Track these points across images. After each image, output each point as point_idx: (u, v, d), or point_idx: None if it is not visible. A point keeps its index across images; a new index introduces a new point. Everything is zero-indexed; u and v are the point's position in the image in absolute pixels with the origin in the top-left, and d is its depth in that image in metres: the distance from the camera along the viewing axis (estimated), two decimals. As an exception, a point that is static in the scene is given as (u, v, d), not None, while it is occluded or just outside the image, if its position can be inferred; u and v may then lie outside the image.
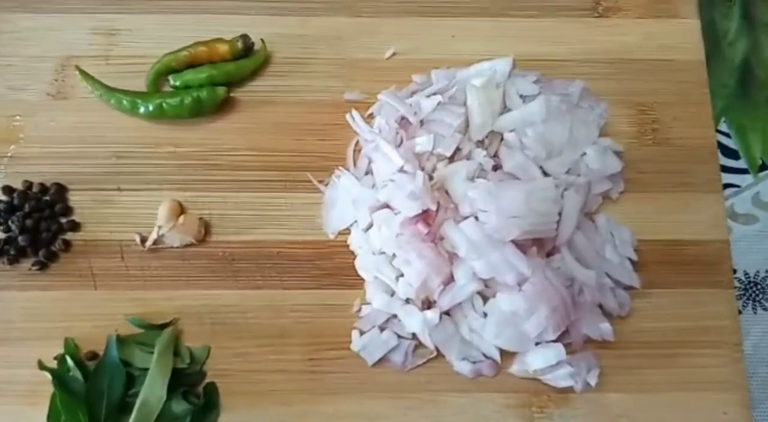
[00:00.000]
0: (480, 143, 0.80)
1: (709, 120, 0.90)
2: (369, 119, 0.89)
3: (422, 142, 0.78)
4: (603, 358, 0.80)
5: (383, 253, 0.79)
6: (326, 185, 0.86)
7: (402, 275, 0.77)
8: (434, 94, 0.84)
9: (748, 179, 0.91)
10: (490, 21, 0.93)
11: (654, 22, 0.94)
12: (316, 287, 0.83)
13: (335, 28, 0.93)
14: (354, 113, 0.88)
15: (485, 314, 0.75)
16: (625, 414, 0.80)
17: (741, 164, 0.92)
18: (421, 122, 0.82)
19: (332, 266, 0.84)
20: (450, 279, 0.74)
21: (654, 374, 0.81)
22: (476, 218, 0.74)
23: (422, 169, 0.78)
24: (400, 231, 0.74)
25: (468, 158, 0.79)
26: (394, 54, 0.91)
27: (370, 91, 0.90)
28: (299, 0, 0.94)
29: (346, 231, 0.84)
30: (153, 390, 0.75)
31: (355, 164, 0.86)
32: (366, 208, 0.79)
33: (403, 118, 0.82)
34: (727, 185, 0.89)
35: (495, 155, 0.80)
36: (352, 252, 0.83)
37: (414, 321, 0.75)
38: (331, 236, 0.84)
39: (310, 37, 0.92)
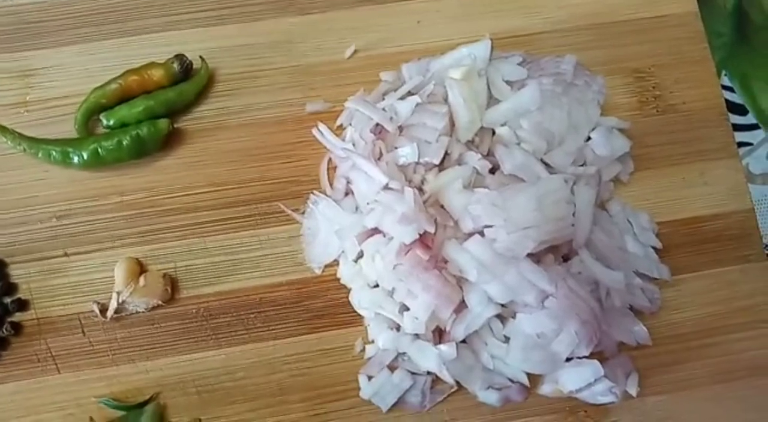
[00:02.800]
0: (470, 144, 0.70)
1: (713, 77, 0.81)
2: (339, 130, 0.78)
3: (406, 153, 0.68)
4: (635, 360, 0.72)
5: (380, 284, 0.69)
6: (303, 213, 0.76)
7: (407, 308, 0.67)
8: (409, 94, 0.73)
9: (759, 134, 0.83)
10: (457, -2, 0.82)
11: (638, -25, 0.84)
12: (309, 332, 0.73)
13: (283, 31, 0.81)
14: (321, 126, 0.77)
15: (506, 337, 0.66)
16: (669, 417, 0.73)
17: (750, 119, 0.83)
18: (400, 128, 0.71)
19: (324, 304, 0.74)
20: (462, 306, 0.65)
21: (692, 368, 0.75)
22: (482, 233, 0.64)
23: (409, 183, 0.69)
24: (398, 261, 0.64)
25: (460, 163, 0.69)
26: (355, 52, 0.80)
27: (335, 98, 0.79)
28: (236, 3, 0.82)
29: (334, 263, 0.74)
30: (143, 485, 0.65)
31: (331, 186, 0.76)
32: (353, 237, 0.69)
33: (378, 126, 0.71)
34: (738, 145, 0.81)
35: (489, 155, 0.70)
36: (344, 286, 0.74)
37: (428, 358, 0.66)
38: (318, 272, 0.74)
39: (255, 45, 0.80)
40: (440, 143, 0.68)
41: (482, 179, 0.68)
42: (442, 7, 0.82)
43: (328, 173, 0.77)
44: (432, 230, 0.63)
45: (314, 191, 0.76)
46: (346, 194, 0.74)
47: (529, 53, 0.78)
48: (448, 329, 0.66)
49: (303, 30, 0.81)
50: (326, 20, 0.81)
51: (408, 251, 0.64)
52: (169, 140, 0.77)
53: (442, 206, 0.67)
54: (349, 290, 0.73)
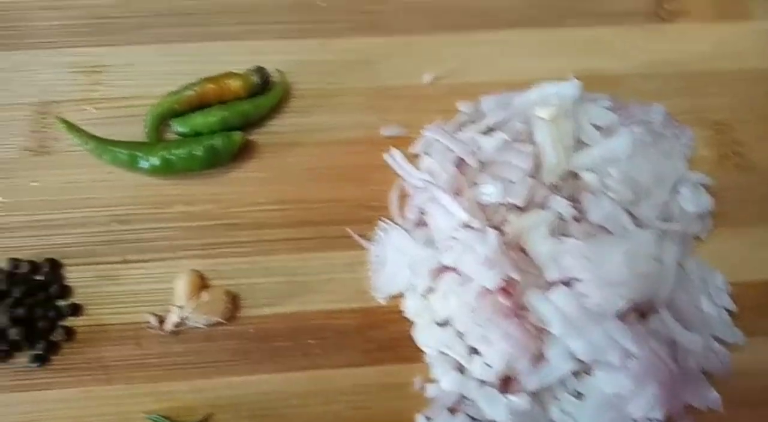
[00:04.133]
0: (552, 187, 0.68)
1: (798, 138, 0.79)
2: (412, 158, 0.76)
3: (490, 192, 0.66)
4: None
5: (449, 323, 0.67)
6: (371, 240, 0.74)
7: (475, 351, 0.65)
8: (491, 128, 0.72)
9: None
10: (539, 32, 0.81)
11: (724, 26, 0.83)
12: (368, 363, 0.71)
13: (362, 51, 0.79)
14: (394, 152, 0.75)
15: (578, 393, 0.65)
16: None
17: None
18: (481, 164, 0.70)
19: (386, 336, 0.72)
20: (538, 357, 0.63)
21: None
22: (566, 283, 0.62)
23: (489, 222, 0.67)
24: (476, 304, 0.62)
25: (542, 206, 0.67)
26: (434, 79, 0.78)
27: (410, 124, 0.77)
28: (317, 18, 0.80)
29: (399, 294, 0.72)
30: None
31: (402, 214, 0.74)
32: (426, 271, 0.68)
33: (459, 159, 0.69)
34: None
35: (572, 200, 0.68)
36: (408, 319, 0.72)
37: (496, 407, 0.64)
38: (382, 302, 0.72)
39: (333, 62, 0.79)
40: (525, 183, 0.66)
41: (565, 225, 0.66)
42: (523, 41, 0.81)
43: (399, 201, 0.75)
44: (518, 277, 0.61)
45: (384, 219, 0.74)
46: (418, 224, 0.73)
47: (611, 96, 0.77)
48: (519, 379, 0.64)
49: (383, 51, 0.79)
50: (407, 43, 0.80)
51: (490, 297, 0.62)
52: (241, 153, 0.75)
53: (522, 250, 0.66)
54: (412, 324, 0.71)
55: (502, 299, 0.62)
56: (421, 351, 0.71)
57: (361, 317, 0.72)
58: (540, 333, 0.63)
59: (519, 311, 0.63)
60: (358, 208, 0.75)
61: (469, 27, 0.80)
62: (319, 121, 0.77)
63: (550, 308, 0.62)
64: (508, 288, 0.62)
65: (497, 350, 0.62)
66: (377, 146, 0.76)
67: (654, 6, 0.83)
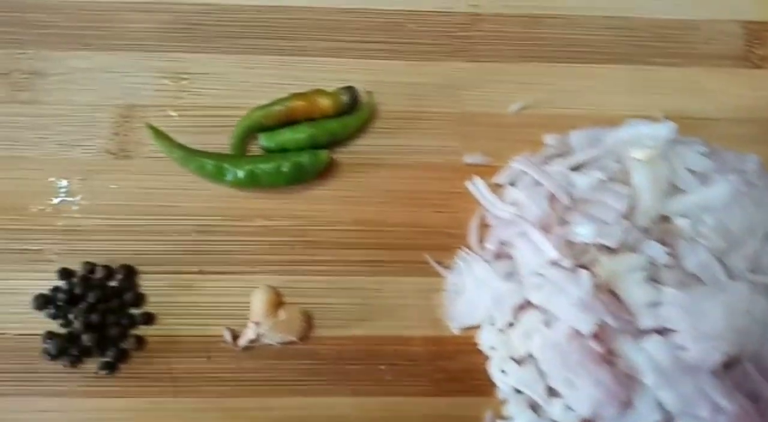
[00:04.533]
0: (644, 230, 0.67)
1: None
2: (494, 188, 0.75)
3: (584, 232, 0.65)
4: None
5: (529, 361, 0.66)
6: (448, 268, 0.73)
7: (554, 391, 0.64)
8: (580, 165, 0.70)
9: None
10: (629, 69, 0.80)
11: (816, 74, 0.81)
12: (439, 394, 0.70)
13: (450, 75, 0.78)
14: (477, 181, 0.74)
15: (657, 440, 0.64)
16: None
17: None
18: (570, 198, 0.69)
19: (458, 368, 0.71)
20: (625, 405, 0.62)
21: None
22: (659, 332, 0.61)
23: (576, 260, 0.65)
24: (567, 348, 0.61)
25: (634, 249, 0.66)
26: (520, 108, 0.77)
27: (494, 153, 0.76)
28: (405, 39, 0.79)
29: (475, 325, 0.71)
30: None
31: (481, 243, 0.73)
32: (508, 306, 0.67)
33: (550, 194, 0.68)
34: None
35: (661, 244, 0.67)
36: (482, 352, 0.71)
37: (576, 451, 0.63)
38: (456, 332, 0.71)
39: (420, 85, 0.78)
40: (620, 225, 0.65)
41: (655, 269, 0.65)
42: (613, 76, 0.79)
43: (478, 230, 0.74)
44: (614, 324, 0.60)
45: (463, 247, 0.73)
46: (498, 256, 0.72)
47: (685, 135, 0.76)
48: (599, 422, 0.63)
49: (470, 77, 0.78)
50: (495, 70, 0.79)
51: (578, 338, 0.61)
52: (324, 171, 0.74)
53: (611, 292, 0.65)
54: (486, 357, 0.70)
55: (593, 344, 0.61)
56: (493, 385, 0.70)
57: (433, 345, 0.71)
58: (629, 380, 0.62)
59: (607, 356, 0.62)
60: (436, 234, 0.74)
61: (559, 59, 0.79)
62: (401, 143, 0.76)
63: (644, 357, 0.60)
64: (599, 333, 0.61)
65: (584, 395, 0.61)
66: (459, 172, 0.75)
67: (744, 51, 0.81)
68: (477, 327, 0.71)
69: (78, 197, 0.73)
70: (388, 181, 0.75)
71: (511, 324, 0.68)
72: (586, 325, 0.60)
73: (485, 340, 0.70)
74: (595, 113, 0.78)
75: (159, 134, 0.72)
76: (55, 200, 0.72)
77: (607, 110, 0.78)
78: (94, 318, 0.68)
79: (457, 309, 0.71)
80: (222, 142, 0.74)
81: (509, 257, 0.71)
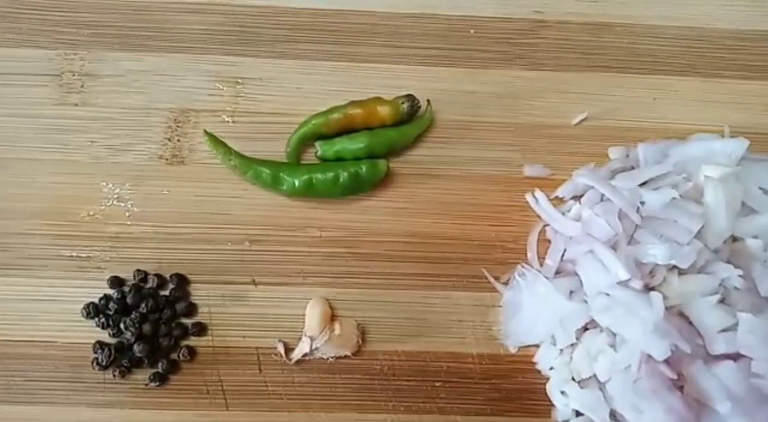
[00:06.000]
0: (714, 251, 0.65)
1: None
2: (555, 202, 0.73)
3: (657, 253, 0.62)
4: None
5: (593, 383, 0.64)
6: (505, 284, 0.71)
7: (616, 415, 0.62)
8: (647, 181, 0.68)
9: None
10: (696, 81, 0.77)
11: None
12: (494, 413, 0.68)
13: (509, 84, 0.76)
14: (539, 194, 0.72)
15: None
16: None
17: None
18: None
19: (514, 387, 0.69)
20: (695, 431, 0.59)
21: None
22: (732, 357, 0.59)
23: (645, 280, 0.63)
24: (639, 374, 0.59)
25: (704, 270, 0.63)
26: (585, 119, 0.75)
27: (555, 165, 0.74)
28: (464, 46, 0.77)
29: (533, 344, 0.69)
30: None
31: (540, 259, 0.71)
32: (573, 327, 0.64)
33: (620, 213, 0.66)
34: None
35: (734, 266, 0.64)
36: (539, 371, 0.69)
37: (640, 479, 0.61)
38: (513, 350, 0.69)
39: (478, 94, 0.76)
40: (694, 247, 0.62)
41: (727, 293, 0.63)
42: (681, 88, 0.77)
43: (538, 245, 0.72)
44: (688, 350, 0.58)
45: (522, 263, 0.71)
46: (559, 272, 0.69)
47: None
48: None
49: (530, 86, 0.76)
50: (556, 80, 0.76)
51: (650, 363, 0.59)
52: (379, 181, 0.72)
53: (681, 315, 0.62)
54: (543, 377, 0.68)
55: (666, 371, 0.58)
56: (550, 405, 0.68)
57: (488, 363, 0.69)
58: (699, 407, 0.59)
59: (678, 382, 0.59)
60: (492, 248, 0.72)
61: (625, 69, 0.76)
62: (459, 154, 0.74)
63: (716, 383, 0.58)
64: (669, 357, 0.59)
65: (653, 420, 0.58)
66: (518, 185, 0.73)
67: (816, 63, 0.78)
68: (534, 346, 0.69)
69: (129, 204, 0.71)
70: (444, 193, 0.73)
71: (572, 345, 0.66)
72: (660, 350, 0.58)
73: (544, 360, 0.68)
74: (662, 127, 0.75)
75: (215, 141, 0.70)
76: (105, 206, 0.71)
77: (674, 124, 0.75)
78: (146, 328, 0.67)
79: (514, 327, 0.69)
80: (276, 149, 0.73)
81: (571, 274, 0.68)
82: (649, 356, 0.59)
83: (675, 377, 0.58)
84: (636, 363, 0.59)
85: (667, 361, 0.59)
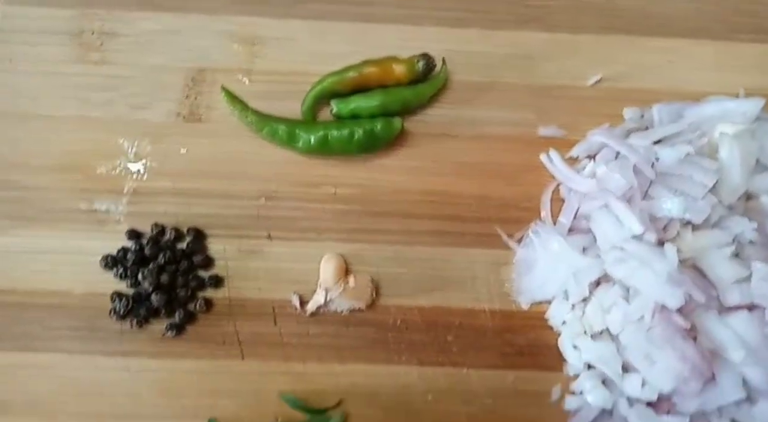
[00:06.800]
0: (728, 207, 0.65)
1: None
2: (570, 162, 0.73)
3: (670, 207, 0.62)
4: None
5: (606, 336, 0.65)
6: (519, 242, 0.71)
7: (627, 368, 0.63)
8: (662, 139, 0.68)
9: None
10: (711, 44, 0.77)
11: None
12: (506, 367, 0.69)
13: (525, 45, 0.77)
14: (553, 153, 0.73)
15: (732, 422, 0.62)
16: None
17: None
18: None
19: (526, 342, 0.70)
20: (708, 382, 0.60)
21: None
22: (748, 309, 0.59)
23: (659, 235, 0.63)
24: (653, 323, 0.59)
25: (718, 225, 0.64)
26: (599, 80, 0.75)
27: (570, 126, 0.74)
28: (479, 8, 0.77)
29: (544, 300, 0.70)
30: None
31: (553, 217, 0.71)
32: (586, 281, 0.65)
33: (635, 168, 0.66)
34: None
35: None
36: (551, 327, 0.69)
37: (652, 429, 0.61)
38: (525, 307, 0.70)
39: (494, 55, 0.76)
40: (708, 201, 0.63)
41: (740, 247, 0.63)
42: (696, 51, 0.77)
43: (551, 204, 0.72)
44: (702, 299, 0.58)
45: (537, 221, 0.71)
46: (572, 230, 0.70)
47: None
48: (675, 401, 0.62)
49: (546, 48, 0.76)
50: (572, 42, 0.77)
51: (664, 314, 0.59)
52: (393, 140, 0.73)
53: (695, 268, 0.63)
54: (555, 333, 0.69)
55: (680, 320, 0.59)
56: (561, 360, 0.69)
57: (500, 319, 0.70)
58: (712, 356, 0.60)
59: (690, 333, 0.60)
60: (506, 207, 0.73)
61: (640, 32, 0.77)
62: (473, 114, 0.75)
63: (730, 333, 0.58)
64: (683, 308, 0.59)
65: (667, 370, 0.59)
66: (532, 145, 0.74)
67: (835, 26, 0.78)
68: (546, 302, 0.70)
69: (147, 160, 0.72)
70: (459, 152, 0.74)
71: (584, 300, 0.67)
72: (674, 299, 0.58)
73: (556, 315, 0.68)
74: (676, 89, 0.75)
75: (233, 98, 0.71)
76: (124, 162, 0.72)
77: (689, 86, 0.75)
78: (164, 278, 0.68)
79: (527, 284, 0.70)
80: (292, 108, 0.73)
81: (584, 231, 0.69)
82: (663, 306, 0.59)
83: (688, 326, 0.59)
84: (649, 313, 0.60)
85: (681, 312, 0.60)
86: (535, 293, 0.69)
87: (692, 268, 0.62)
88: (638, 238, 0.63)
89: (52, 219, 0.70)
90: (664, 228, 0.64)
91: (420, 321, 0.70)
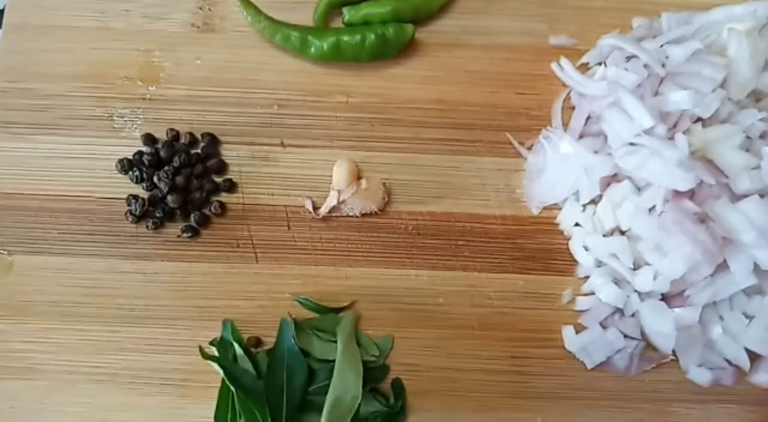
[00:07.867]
0: (737, 103, 0.65)
1: None
2: (581, 69, 0.73)
3: (679, 99, 0.63)
4: None
5: (617, 233, 0.65)
6: (529, 149, 0.72)
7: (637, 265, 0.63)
8: (671, 41, 0.68)
9: None
10: (723, -47, 0.77)
11: None
12: (517, 271, 0.70)
13: (537, -44, 0.77)
14: (564, 61, 0.73)
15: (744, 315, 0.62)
16: None
17: None
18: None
19: (536, 247, 0.70)
20: (720, 268, 0.60)
21: None
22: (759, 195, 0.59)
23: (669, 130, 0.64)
24: (664, 209, 0.60)
25: (728, 120, 0.64)
26: (609, -9, 0.76)
27: (580, 36, 0.74)
28: None
29: (552, 206, 0.70)
30: (346, 387, 0.62)
31: (563, 125, 0.71)
32: (598, 177, 0.65)
33: (646, 68, 0.66)
34: None
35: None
36: (561, 232, 0.70)
37: (663, 320, 0.62)
38: (535, 212, 0.71)
39: (506, -36, 0.76)
40: (715, 95, 0.63)
41: (749, 141, 0.63)
42: (707, -40, 0.77)
43: (562, 113, 0.73)
44: (712, 181, 0.58)
45: (548, 128, 0.72)
46: (583, 135, 0.70)
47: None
48: (686, 294, 0.62)
49: (557, -42, 0.77)
50: (584, -48, 0.77)
51: (679, 202, 0.59)
52: (405, 49, 0.73)
53: (704, 159, 0.63)
54: (565, 237, 0.70)
55: (691, 205, 0.59)
56: (571, 265, 0.69)
57: (511, 224, 0.71)
58: (724, 242, 0.60)
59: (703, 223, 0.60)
60: (517, 115, 0.73)
61: (651, -60, 0.77)
62: (485, 24, 0.75)
63: (740, 217, 0.58)
64: (694, 196, 0.60)
65: (679, 256, 0.59)
66: (543, 54, 0.74)
67: None
68: (557, 208, 0.70)
69: (163, 68, 0.73)
70: (470, 61, 0.74)
71: (594, 202, 0.67)
72: (686, 183, 0.58)
73: (567, 217, 0.69)
74: (685, 1, 0.75)
75: (247, 3, 0.72)
76: (140, 71, 0.73)
77: (698, -2, 0.75)
78: (179, 180, 0.69)
79: (537, 189, 0.70)
80: (304, 19, 0.74)
81: (595, 135, 0.69)
82: (675, 191, 0.59)
83: (699, 210, 0.59)
84: (660, 200, 0.60)
85: (691, 200, 0.60)
86: (546, 197, 0.70)
87: (702, 159, 0.62)
88: (649, 132, 0.63)
89: (71, 126, 0.72)
90: (675, 125, 0.64)
91: (431, 226, 0.70)
